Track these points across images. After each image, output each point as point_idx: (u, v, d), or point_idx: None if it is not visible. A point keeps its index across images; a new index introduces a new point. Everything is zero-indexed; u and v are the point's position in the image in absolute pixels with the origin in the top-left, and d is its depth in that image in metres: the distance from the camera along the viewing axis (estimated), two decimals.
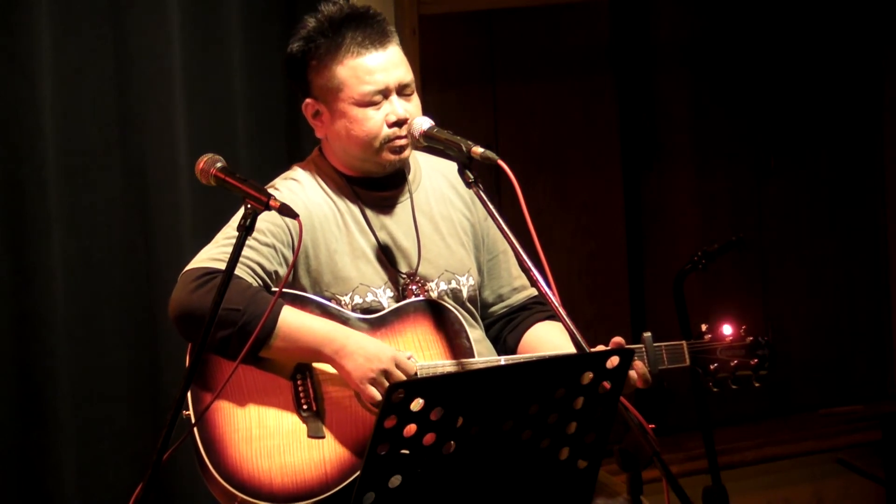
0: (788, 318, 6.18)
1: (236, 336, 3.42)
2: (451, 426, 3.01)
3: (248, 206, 3.25)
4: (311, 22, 3.63)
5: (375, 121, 3.58)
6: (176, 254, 4.54)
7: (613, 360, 3.10)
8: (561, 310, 3.29)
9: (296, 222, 3.33)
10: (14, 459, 4.43)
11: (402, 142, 3.60)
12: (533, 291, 3.79)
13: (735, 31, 6.05)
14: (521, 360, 3.61)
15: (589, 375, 3.09)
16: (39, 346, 4.43)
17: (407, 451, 3.00)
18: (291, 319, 3.47)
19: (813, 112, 6.18)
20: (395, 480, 3.03)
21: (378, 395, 3.43)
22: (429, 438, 3.01)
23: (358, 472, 3.40)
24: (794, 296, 6.20)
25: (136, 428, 4.55)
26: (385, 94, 3.58)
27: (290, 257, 3.55)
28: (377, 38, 3.59)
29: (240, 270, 3.49)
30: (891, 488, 5.93)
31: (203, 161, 3.35)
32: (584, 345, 3.28)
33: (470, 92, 5.73)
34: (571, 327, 3.28)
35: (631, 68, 5.96)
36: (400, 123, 3.59)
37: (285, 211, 3.26)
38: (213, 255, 3.51)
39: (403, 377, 3.44)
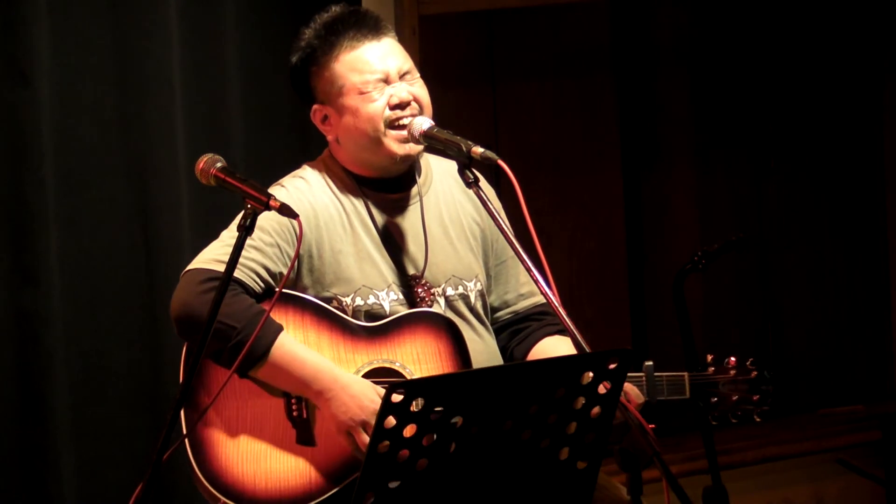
0: (788, 318, 6.18)
1: (227, 352, 3.42)
2: (450, 426, 3.01)
3: (248, 206, 3.25)
4: (306, 32, 3.65)
5: (377, 104, 3.58)
6: (175, 253, 4.53)
7: (613, 361, 3.10)
8: (561, 310, 3.29)
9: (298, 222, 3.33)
10: (14, 459, 4.42)
11: (406, 121, 3.59)
12: (540, 299, 3.76)
13: (735, 31, 6.05)
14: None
15: (589, 376, 3.09)
16: (39, 346, 4.43)
17: (405, 452, 3.01)
18: (286, 349, 3.46)
19: (813, 112, 6.17)
20: (395, 481, 3.02)
21: (364, 441, 3.40)
22: (429, 438, 3.01)
23: (343, 483, 3.42)
24: (794, 296, 6.19)
25: (136, 428, 4.55)
26: (386, 81, 3.59)
27: (293, 256, 3.55)
28: (371, 31, 3.61)
29: (242, 274, 3.49)
30: (891, 488, 5.93)
31: (203, 161, 3.35)
32: (584, 345, 3.28)
33: (470, 92, 5.73)
34: (571, 327, 3.28)
35: (631, 68, 5.95)
36: (402, 106, 3.59)
37: (285, 211, 3.25)
38: (218, 256, 3.49)
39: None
